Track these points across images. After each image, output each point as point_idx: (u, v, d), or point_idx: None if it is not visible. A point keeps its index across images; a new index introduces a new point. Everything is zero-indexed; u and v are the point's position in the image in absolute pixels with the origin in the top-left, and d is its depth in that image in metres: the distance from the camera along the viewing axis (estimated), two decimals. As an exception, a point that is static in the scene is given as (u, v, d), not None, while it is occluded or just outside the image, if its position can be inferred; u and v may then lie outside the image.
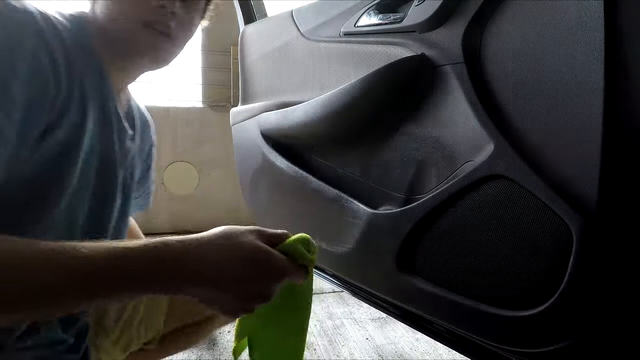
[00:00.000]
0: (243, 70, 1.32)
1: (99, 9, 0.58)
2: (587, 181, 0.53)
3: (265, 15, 1.37)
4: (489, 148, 0.62)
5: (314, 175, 0.98)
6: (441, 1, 0.70)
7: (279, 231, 0.52)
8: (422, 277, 0.74)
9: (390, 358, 1.43)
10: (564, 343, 0.58)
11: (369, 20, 0.88)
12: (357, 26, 0.90)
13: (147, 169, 0.84)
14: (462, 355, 0.78)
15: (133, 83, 0.69)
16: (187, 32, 0.63)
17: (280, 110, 1.05)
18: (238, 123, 1.29)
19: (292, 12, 1.13)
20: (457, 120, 0.69)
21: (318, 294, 1.92)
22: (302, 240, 0.53)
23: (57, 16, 0.54)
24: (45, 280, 0.39)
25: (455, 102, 0.69)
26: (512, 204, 0.60)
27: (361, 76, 0.80)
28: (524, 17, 0.61)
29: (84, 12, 0.60)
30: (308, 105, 0.93)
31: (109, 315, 0.76)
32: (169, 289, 0.45)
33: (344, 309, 1.78)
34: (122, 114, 0.65)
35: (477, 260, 0.66)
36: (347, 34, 0.93)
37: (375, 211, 0.81)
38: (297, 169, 1.02)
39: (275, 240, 0.51)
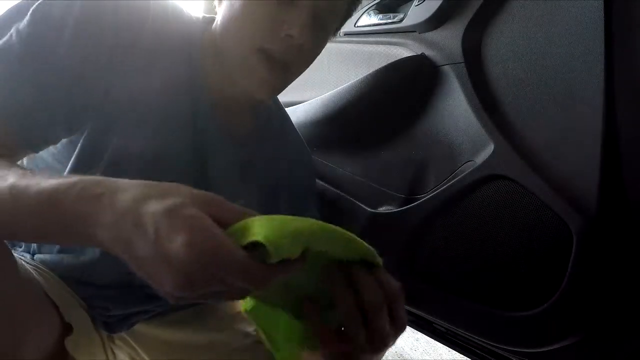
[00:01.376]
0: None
1: (218, 25, 0.55)
2: (587, 181, 0.53)
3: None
4: (489, 148, 0.62)
5: (314, 175, 0.98)
6: (441, 1, 0.70)
7: (238, 207, 0.34)
8: (422, 277, 0.74)
9: (390, 358, 1.43)
10: (563, 343, 0.58)
11: (369, 20, 0.88)
12: (357, 26, 0.90)
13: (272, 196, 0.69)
14: (462, 355, 0.78)
15: None
16: (305, 63, 0.57)
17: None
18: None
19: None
20: (457, 120, 0.69)
21: (318, 294, 1.92)
22: (275, 226, 0.31)
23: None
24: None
25: (455, 102, 0.69)
26: (512, 204, 0.60)
27: (361, 76, 0.80)
28: (523, 17, 0.61)
29: (209, 22, 0.58)
30: (308, 105, 0.93)
31: None
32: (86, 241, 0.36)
33: (344, 309, 1.78)
34: (208, 112, 0.58)
35: (476, 260, 0.66)
36: (347, 34, 0.93)
37: (376, 211, 0.81)
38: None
39: (226, 217, 0.33)
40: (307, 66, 0.57)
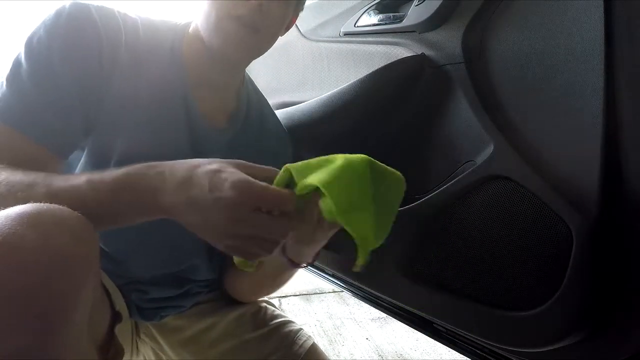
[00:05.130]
0: (243, 70, 1.32)
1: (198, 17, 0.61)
2: (587, 181, 0.53)
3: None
4: (489, 148, 0.62)
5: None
6: (441, 1, 0.70)
7: (267, 167, 0.47)
8: (422, 277, 0.74)
9: (390, 358, 1.43)
10: (564, 343, 0.58)
11: (369, 20, 0.88)
12: (357, 26, 0.90)
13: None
14: (462, 355, 0.78)
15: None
16: (276, 27, 0.63)
17: (280, 110, 1.05)
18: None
19: (292, 12, 1.13)
20: (457, 120, 0.69)
21: (318, 294, 1.92)
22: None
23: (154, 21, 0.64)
24: None
25: (455, 102, 0.69)
26: (512, 204, 0.60)
27: (361, 76, 0.80)
28: (524, 17, 0.61)
29: (186, 25, 0.66)
30: (308, 105, 0.93)
31: None
32: (150, 216, 0.47)
33: (344, 309, 1.78)
34: (195, 105, 0.65)
35: (476, 260, 0.66)
36: (347, 34, 0.93)
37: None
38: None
39: (254, 173, 0.45)
40: (275, 29, 0.64)
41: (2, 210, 0.34)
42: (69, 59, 0.54)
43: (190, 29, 0.65)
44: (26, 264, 0.32)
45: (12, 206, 0.35)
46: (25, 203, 0.36)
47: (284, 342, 0.76)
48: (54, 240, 0.34)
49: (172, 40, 0.64)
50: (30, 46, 0.54)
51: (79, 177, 0.46)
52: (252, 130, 0.74)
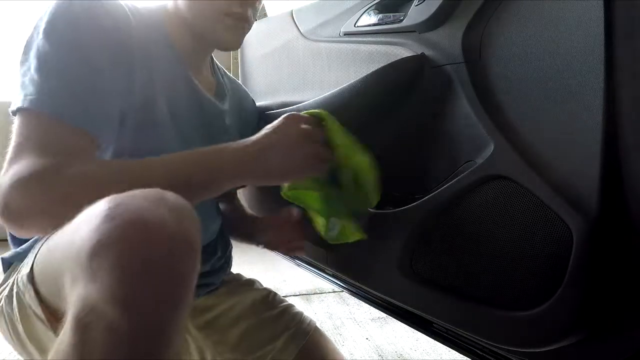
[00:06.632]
0: (243, 71, 1.32)
1: (181, 2, 0.67)
2: (588, 181, 0.53)
3: (265, 15, 1.37)
4: (489, 148, 0.62)
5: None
6: (441, 1, 0.70)
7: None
8: (422, 277, 0.74)
9: (390, 358, 1.43)
10: (564, 342, 0.58)
11: (369, 20, 0.88)
12: (357, 26, 0.90)
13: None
14: (462, 355, 0.78)
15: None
16: (256, 14, 0.72)
17: (280, 110, 1.05)
18: (238, 123, 1.28)
19: (292, 12, 1.13)
20: (457, 120, 0.69)
21: (318, 294, 1.92)
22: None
23: (136, 7, 0.66)
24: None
25: (455, 102, 0.69)
26: (512, 204, 0.60)
27: (361, 76, 0.80)
28: (524, 16, 0.61)
29: (163, 6, 0.71)
30: (308, 105, 0.93)
31: None
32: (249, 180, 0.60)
33: (344, 309, 1.78)
34: (197, 82, 0.73)
35: (476, 261, 0.66)
36: (347, 34, 0.93)
37: (376, 211, 0.81)
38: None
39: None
40: (256, 13, 0.74)
41: (137, 191, 0.36)
42: (99, 36, 0.55)
43: (171, 11, 0.69)
44: (168, 244, 0.34)
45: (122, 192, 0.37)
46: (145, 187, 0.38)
47: (294, 320, 0.88)
48: (185, 225, 0.36)
49: (158, 22, 0.67)
50: (52, 32, 0.53)
51: (165, 156, 0.54)
52: (235, 100, 0.84)
